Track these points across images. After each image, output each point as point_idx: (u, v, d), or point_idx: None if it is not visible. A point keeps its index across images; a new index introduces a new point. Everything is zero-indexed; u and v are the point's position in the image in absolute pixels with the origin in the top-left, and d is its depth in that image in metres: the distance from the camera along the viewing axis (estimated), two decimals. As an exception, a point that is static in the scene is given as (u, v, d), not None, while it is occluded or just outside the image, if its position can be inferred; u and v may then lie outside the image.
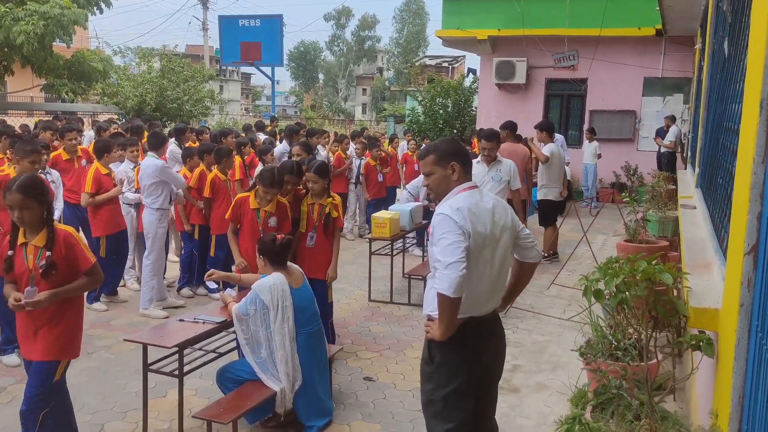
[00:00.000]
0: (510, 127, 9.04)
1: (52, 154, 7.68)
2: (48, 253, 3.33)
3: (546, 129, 9.14)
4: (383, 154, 11.32)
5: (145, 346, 3.92)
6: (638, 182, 13.68)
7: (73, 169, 7.55)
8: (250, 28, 21.09)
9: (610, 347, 4.13)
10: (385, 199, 10.71)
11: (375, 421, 4.47)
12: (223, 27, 21.69)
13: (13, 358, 5.20)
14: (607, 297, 3.08)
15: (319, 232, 5.25)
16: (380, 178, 10.62)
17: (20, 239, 3.42)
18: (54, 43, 18.98)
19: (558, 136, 13.30)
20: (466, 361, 3.07)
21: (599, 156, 14.29)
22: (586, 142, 14.51)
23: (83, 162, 7.64)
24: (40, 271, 3.32)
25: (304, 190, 5.42)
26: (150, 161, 6.62)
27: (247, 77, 71.51)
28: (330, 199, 5.28)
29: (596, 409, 3.57)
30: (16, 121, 17.31)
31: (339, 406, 4.67)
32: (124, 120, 17.25)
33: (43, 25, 17.06)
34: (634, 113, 15.27)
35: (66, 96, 21.08)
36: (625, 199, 6.70)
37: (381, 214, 7.35)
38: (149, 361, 4.03)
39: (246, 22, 21.17)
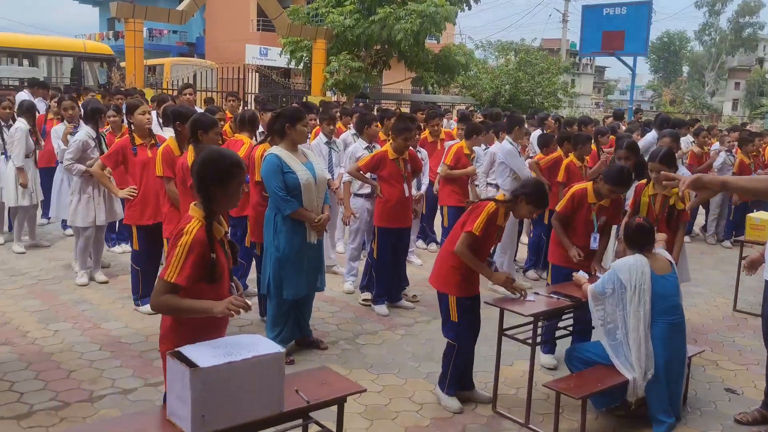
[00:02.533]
0: None
1: (422, 135, 8.56)
2: None
3: None
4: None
5: (502, 312, 4.08)
6: None
7: (435, 150, 8.30)
8: (615, 16, 20.28)
9: None
10: None
11: (738, 437, 3.99)
12: (586, 16, 21.22)
13: (383, 308, 5.90)
14: None
15: (661, 225, 4.86)
16: None
17: None
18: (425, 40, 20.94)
19: None
20: None
21: None
22: None
23: (446, 144, 8.35)
24: None
25: (645, 180, 5.11)
26: (504, 144, 7.06)
27: (600, 71, 69.44)
28: (675, 190, 4.82)
29: None
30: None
31: (695, 411, 4.28)
32: (480, 110, 18.27)
33: (419, 22, 18.88)
34: None
35: (431, 88, 23.08)
36: None
37: (759, 215, 6.52)
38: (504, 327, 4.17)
39: (611, 11, 20.41)
